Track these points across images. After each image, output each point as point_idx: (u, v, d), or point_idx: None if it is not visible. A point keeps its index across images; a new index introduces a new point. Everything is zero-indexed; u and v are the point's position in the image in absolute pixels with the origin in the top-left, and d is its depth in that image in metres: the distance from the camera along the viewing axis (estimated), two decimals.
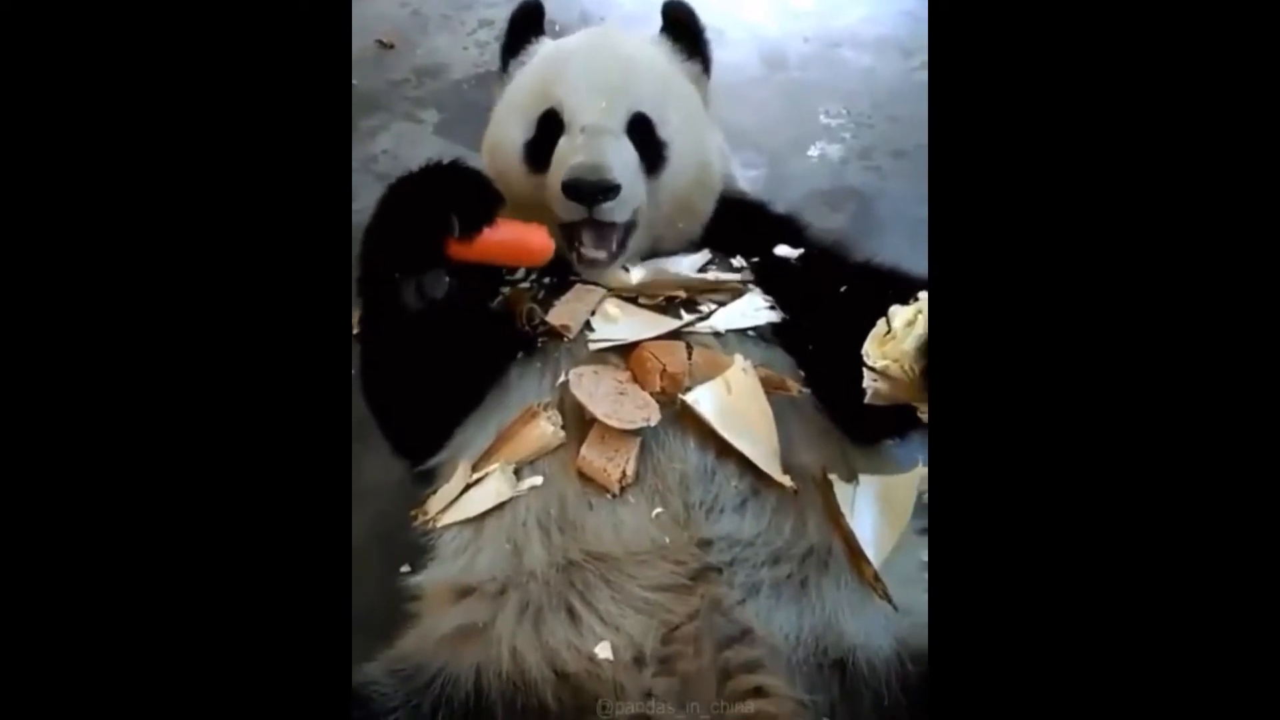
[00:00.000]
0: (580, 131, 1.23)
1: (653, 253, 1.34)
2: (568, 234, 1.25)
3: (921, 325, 0.91)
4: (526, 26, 1.46)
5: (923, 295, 0.93)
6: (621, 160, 1.22)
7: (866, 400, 0.96)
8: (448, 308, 1.11)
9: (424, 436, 1.24)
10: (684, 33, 1.44)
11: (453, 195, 1.10)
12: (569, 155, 1.21)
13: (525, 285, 1.28)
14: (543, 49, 1.44)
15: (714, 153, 1.41)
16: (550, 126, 1.28)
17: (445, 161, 1.13)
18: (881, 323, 0.95)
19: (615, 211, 1.22)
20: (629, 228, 1.27)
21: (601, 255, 1.25)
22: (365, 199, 2.09)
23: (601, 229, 1.24)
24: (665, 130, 1.30)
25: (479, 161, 1.37)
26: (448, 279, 1.10)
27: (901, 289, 1.02)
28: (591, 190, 1.18)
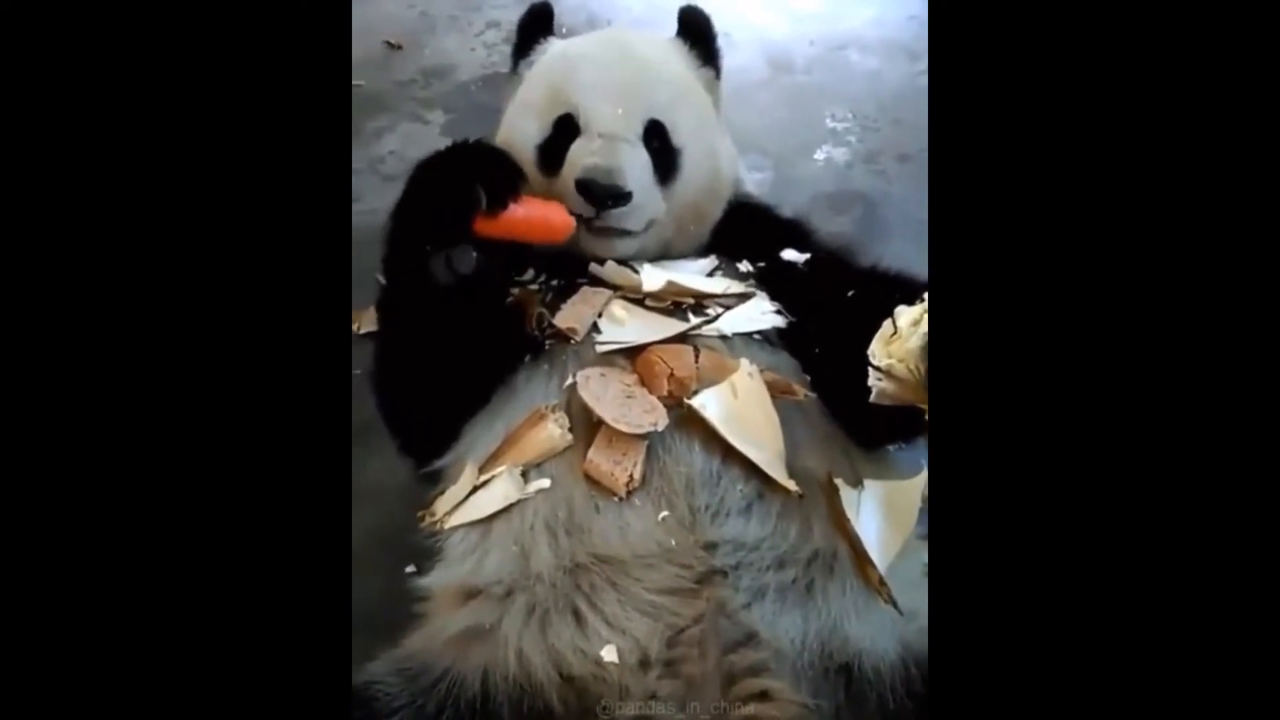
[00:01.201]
0: (597, 137, 1.25)
1: (661, 255, 1.34)
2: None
3: (927, 325, 0.91)
4: (535, 28, 1.47)
5: (928, 295, 0.93)
6: (635, 169, 1.24)
7: (871, 400, 0.96)
8: (475, 285, 1.13)
9: (432, 434, 1.24)
10: (699, 38, 1.44)
11: (478, 171, 1.12)
12: (583, 155, 1.22)
13: (534, 287, 1.29)
14: (553, 49, 1.44)
15: (724, 159, 1.41)
16: (565, 130, 1.29)
17: (470, 140, 1.17)
18: (887, 323, 0.95)
19: (625, 218, 1.24)
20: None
21: (614, 224, 1.26)
22: (371, 200, 2.10)
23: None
24: (679, 137, 1.31)
25: None
26: (475, 255, 1.12)
27: (908, 293, 1.02)
28: (603, 193, 1.20)
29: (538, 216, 1.19)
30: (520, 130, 1.34)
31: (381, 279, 1.22)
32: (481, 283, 1.14)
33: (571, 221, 1.21)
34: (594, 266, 1.29)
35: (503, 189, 1.12)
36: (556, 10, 1.51)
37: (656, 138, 1.29)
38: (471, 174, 1.11)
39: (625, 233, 1.27)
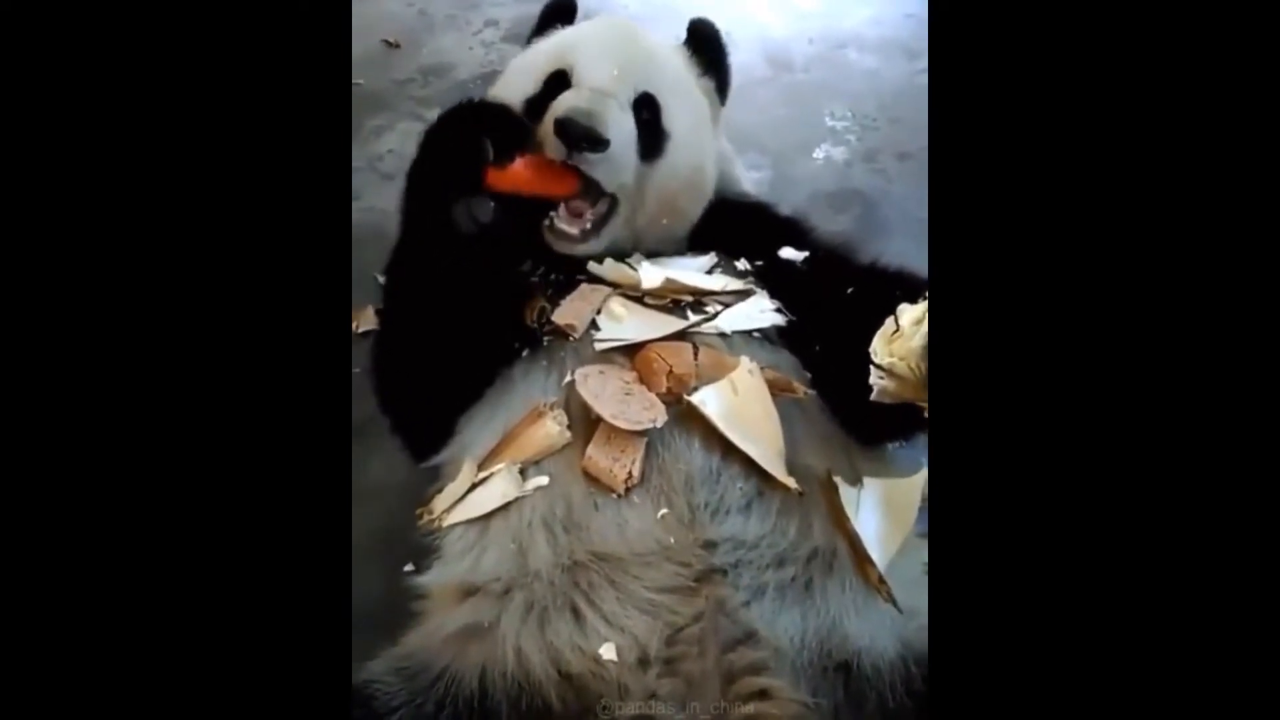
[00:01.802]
0: (586, 88, 1.24)
1: (634, 248, 1.34)
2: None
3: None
4: (556, 16, 1.48)
5: (929, 294, 0.92)
6: (618, 126, 1.22)
7: (873, 398, 0.96)
8: (495, 235, 1.16)
9: (428, 430, 1.24)
10: (703, 48, 1.44)
11: (484, 125, 1.16)
12: (568, 100, 1.22)
13: (535, 279, 1.28)
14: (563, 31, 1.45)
15: (711, 160, 1.41)
16: (556, 85, 1.29)
17: (476, 99, 1.22)
18: (889, 321, 0.95)
19: (598, 168, 1.22)
20: (609, 206, 1.28)
21: (573, 231, 1.26)
22: (371, 198, 2.09)
23: (578, 203, 1.25)
24: (669, 121, 1.31)
25: None
26: (493, 204, 1.15)
27: (908, 290, 1.02)
28: (579, 133, 1.18)
29: (545, 171, 1.22)
30: (512, 85, 1.35)
31: (380, 278, 1.22)
32: (501, 233, 1.17)
33: (577, 175, 1.23)
34: (592, 265, 1.28)
35: (509, 141, 1.17)
36: None
37: (647, 110, 1.29)
38: (478, 128, 1.16)
39: (589, 209, 1.26)
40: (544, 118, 1.24)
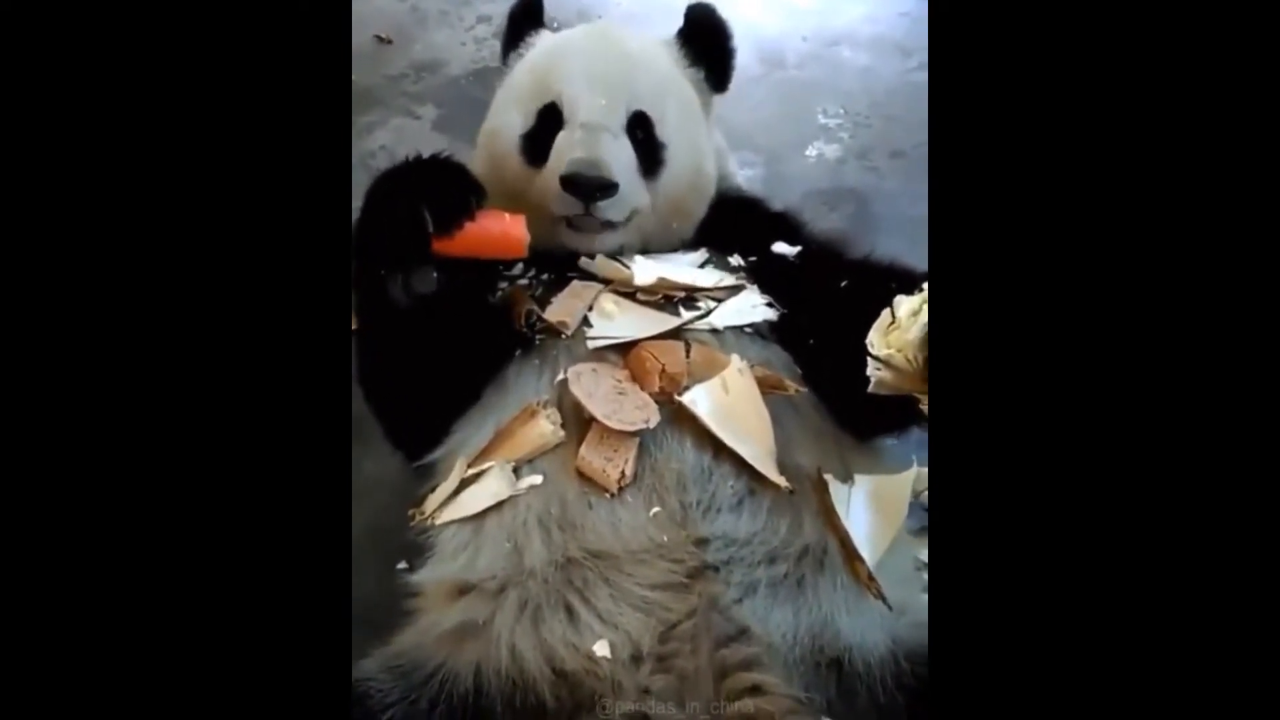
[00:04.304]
0: (579, 127, 1.24)
1: (642, 250, 1.34)
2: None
3: (926, 315, 0.91)
4: (525, 21, 1.47)
5: (928, 285, 0.92)
6: (620, 159, 1.24)
7: (870, 390, 0.96)
8: (438, 303, 1.12)
9: (421, 431, 1.24)
10: (696, 36, 1.44)
11: (429, 191, 1.10)
12: (567, 150, 1.22)
13: (524, 282, 1.28)
14: (542, 41, 1.44)
15: (709, 156, 1.41)
16: (550, 120, 1.29)
17: (425, 156, 1.14)
18: (886, 312, 0.95)
19: (612, 210, 1.24)
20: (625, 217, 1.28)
21: (599, 216, 1.25)
22: (362, 195, 2.07)
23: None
24: (663, 130, 1.31)
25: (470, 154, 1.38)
26: (435, 274, 1.10)
27: (901, 282, 1.02)
28: (589, 186, 1.20)
29: (495, 232, 1.15)
30: (505, 120, 1.35)
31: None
32: (443, 302, 1.12)
33: (528, 235, 1.17)
34: (584, 261, 1.28)
35: (453, 210, 1.09)
36: (547, 5, 1.51)
37: (640, 128, 1.30)
38: (421, 195, 1.09)
39: (608, 224, 1.27)
40: (545, 165, 1.26)
